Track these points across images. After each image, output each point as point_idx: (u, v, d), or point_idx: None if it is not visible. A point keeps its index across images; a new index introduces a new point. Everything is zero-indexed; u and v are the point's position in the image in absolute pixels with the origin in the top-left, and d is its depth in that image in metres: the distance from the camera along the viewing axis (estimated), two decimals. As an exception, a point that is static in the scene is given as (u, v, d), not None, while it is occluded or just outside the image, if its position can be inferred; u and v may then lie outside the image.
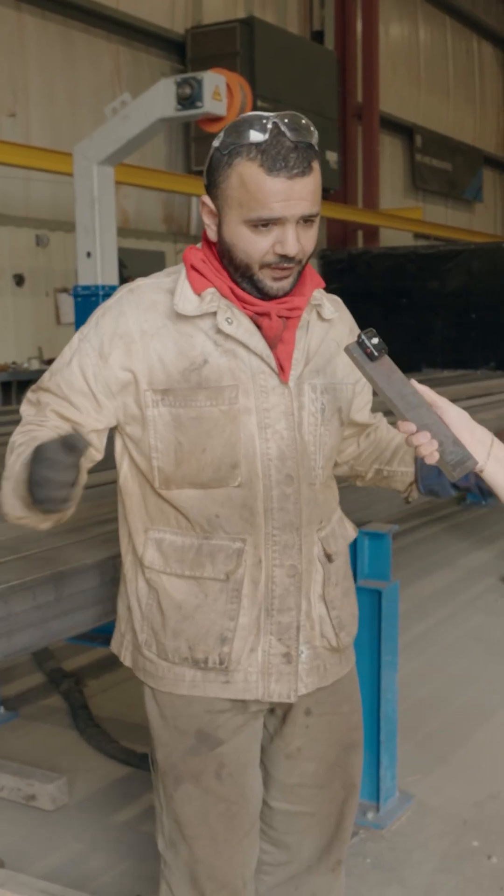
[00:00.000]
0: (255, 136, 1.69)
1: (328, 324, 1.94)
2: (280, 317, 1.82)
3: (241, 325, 1.80)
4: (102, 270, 6.79)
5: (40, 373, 10.34)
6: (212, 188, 1.78)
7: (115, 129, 6.67)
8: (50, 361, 10.19)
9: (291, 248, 1.73)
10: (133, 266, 10.59)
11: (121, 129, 6.65)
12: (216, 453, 1.81)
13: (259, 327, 1.82)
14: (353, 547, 3.17)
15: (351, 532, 2.07)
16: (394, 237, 15.71)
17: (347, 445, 2.11)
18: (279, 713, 2.02)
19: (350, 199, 14.91)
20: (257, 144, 1.69)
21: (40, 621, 2.15)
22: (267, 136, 1.69)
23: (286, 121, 1.70)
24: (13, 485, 1.73)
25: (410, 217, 15.78)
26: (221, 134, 1.76)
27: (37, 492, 1.62)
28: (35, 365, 10.00)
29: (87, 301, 6.68)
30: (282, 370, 1.83)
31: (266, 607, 1.86)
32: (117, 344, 1.82)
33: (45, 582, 2.15)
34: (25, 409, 1.90)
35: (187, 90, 6.31)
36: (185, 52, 12.04)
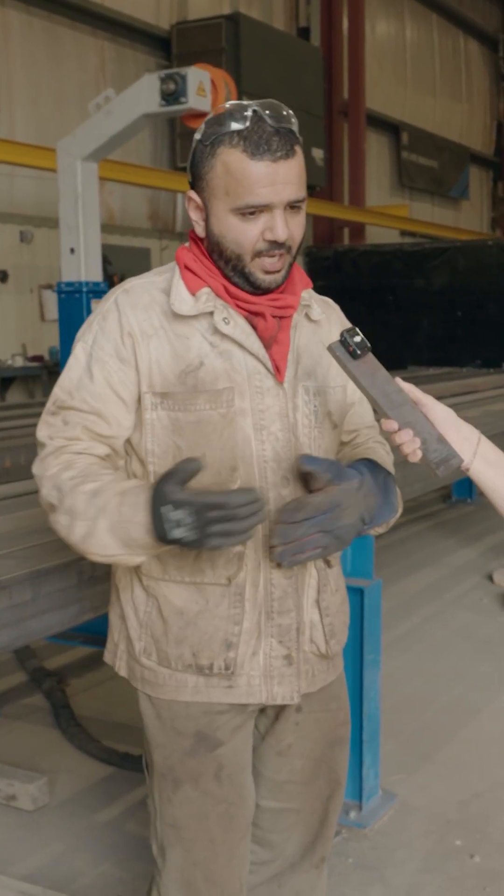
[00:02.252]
0: (236, 124, 1.70)
1: (315, 325, 1.92)
2: (274, 317, 1.81)
3: (237, 326, 1.79)
4: (86, 267, 6.73)
5: (24, 370, 10.33)
6: (197, 181, 1.78)
7: (99, 124, 6.61)
8: (34, 358, 10.17)
9: (281, 234, 1.72)
10: (118, 263, 10.56)
11: (104, 125, 6.59)
12: (215, 457, 1.79)
13: (254, 328, 1.80)
14: (336, 545, 3.15)
15: None
16: (380, 234, 15.71)
17: None
18: (271, 712, 2.00)
19: (336, 197, 14.90)
20: (239, 132, 1.69)
21: (17, 620, 2.13)
22: (248, 123, 1.69)
23: (266, 109, 1.71)
24: (109, 525, 1.68)
25: (397, 215, 15.77)
26: (203, 126, 1.76)
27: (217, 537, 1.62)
28: (19, 362, 9.95)
29: (71, 298, 6.63)
30: (277, 371, 1.81)
31: (266, 610, 1.84)
32: (129, 344, 1.79)
33: (22, 581, 2.13)
34: (49, 432, 1.82)
35: (171, 86, 6.26)
36: (171, 48, 12.00)
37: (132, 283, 1.86)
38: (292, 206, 1.74)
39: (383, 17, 17.05)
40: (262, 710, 1.99)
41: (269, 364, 1.80)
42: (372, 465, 1.82)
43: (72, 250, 6.74)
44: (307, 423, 1.86)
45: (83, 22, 10.92)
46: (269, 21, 13.64)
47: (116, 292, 1.86)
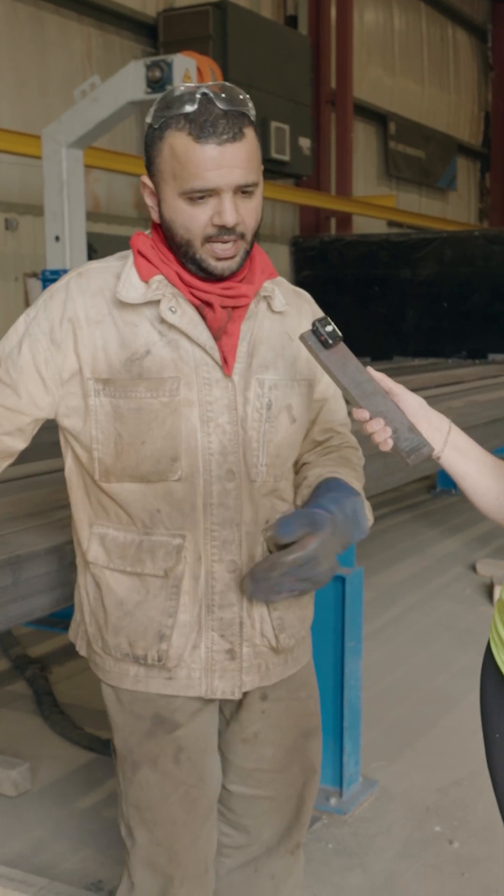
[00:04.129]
0: (184, 106, 1.67)
1: (280, 316, 1.88)
2: (225, 307, 1.78)
3: (185, 315, 1.77)
4: (71, 255, 6.74)
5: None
6: (149, 166, 1.76)
7: (84, 111, 6.61)
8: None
9: (229, 218, 1.69)
10: (103, 250, 10.49)
11: (90, 112, 6.59)
12: (156, 445, 1.77)
13: (203, 318, 1.78)
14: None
15: None
16: (367, 225, 15.70)
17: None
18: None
19: (323, 186, 14.88)
20: (185, 114, 1.67)
21: (-2, 605, 2.13)
22: (196, 105, 1.67)
23: (217, 91, 1.68)
24: None
25: (383, 205, 15.76)
26: (152, 109, 1.73)
27: None
28: (4, 350, 9.92)
29: (56, 285, 6.63)
30: (225, 363, 1.79)
31: (207, 603, 1.83)
32: (67, 329, 1.78)
33: (2, 566, 2.13)
34: None
35: (157, 73, 6.26)
36: (157, 35, 11.94)
37: (88, 267, 1.85)
38: (243, 191, 1.71)
39: (371, 5, 17.00)
40: None
41: (217, 355, 1.78)
42: (340, 497, 1.80)
43: (57, 238, 6.75)
44: (257, 417, 1.82)
45: (69, 8, 10.85)
46: (257, 9, 13.58)
47: (72, 274, 1.85)
